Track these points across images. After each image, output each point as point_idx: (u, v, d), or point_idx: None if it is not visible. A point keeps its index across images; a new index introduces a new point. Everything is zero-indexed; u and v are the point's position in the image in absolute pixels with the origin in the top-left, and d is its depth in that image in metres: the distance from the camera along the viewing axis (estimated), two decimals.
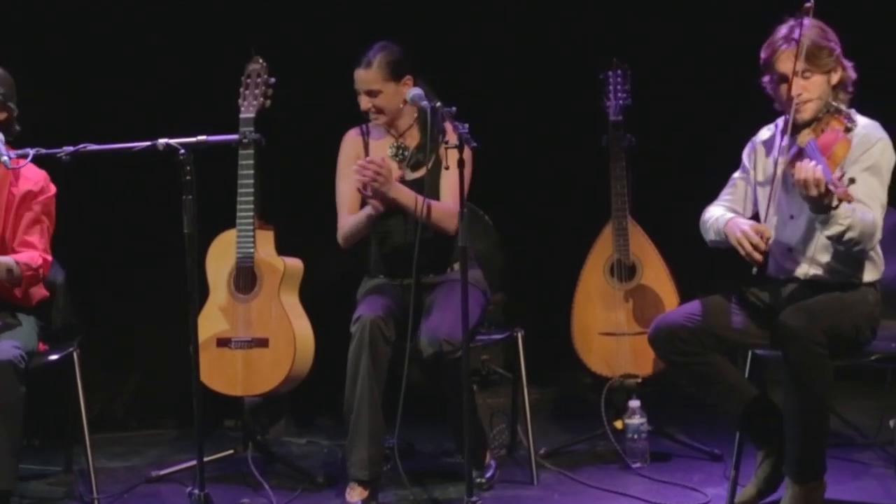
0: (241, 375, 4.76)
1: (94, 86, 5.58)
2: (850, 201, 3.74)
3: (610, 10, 5.89)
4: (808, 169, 3.78)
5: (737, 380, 4.17)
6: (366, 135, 4.77)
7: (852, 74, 4.13)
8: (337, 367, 4.58)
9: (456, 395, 4.26)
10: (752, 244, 3.97)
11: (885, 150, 4.04)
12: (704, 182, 4.51)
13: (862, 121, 4.08)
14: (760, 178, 4.24)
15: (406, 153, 4.70)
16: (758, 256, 3.98)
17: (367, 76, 4.60)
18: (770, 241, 4.01)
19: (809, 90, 4.06)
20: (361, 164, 4.45)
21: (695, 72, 5.91)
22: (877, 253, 4.12)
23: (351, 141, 4.78)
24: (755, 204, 4.27)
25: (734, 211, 4.28)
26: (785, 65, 4.07)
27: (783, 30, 4.10)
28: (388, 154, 4.69)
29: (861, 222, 3.88)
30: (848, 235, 3.88)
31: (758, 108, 4.33)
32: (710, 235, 4.23)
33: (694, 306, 4.18)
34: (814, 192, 3.77)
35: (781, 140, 4.09)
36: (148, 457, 5.29)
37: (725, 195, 4.34)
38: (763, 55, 4.14)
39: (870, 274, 4.12)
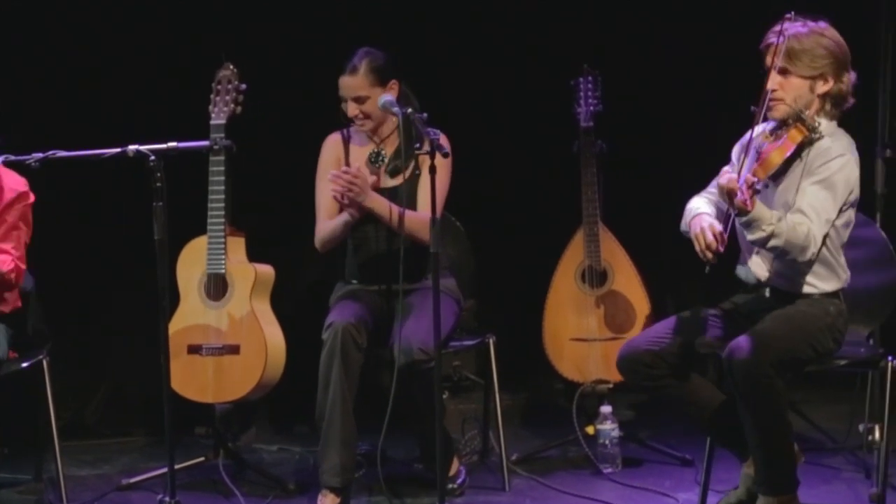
0: (212, 382, 4.74)
1: (64, 91, 5.55)
2: (745, 211, 3.75)
3: (580, 16, 5.90)
4: (725, 173, 3.81)
5: (709, 397, 4.15)
6: (347, 140, 4.77)
7: (848, 91, 4.06)
8: (309, 373, 4.57)
9: (427, 404, 4.26)
10: (706, 243, 3.96)
11: (843, 167, 3.96)
12: (675, 188, 4.52)
13: (832, 136, 4.02)
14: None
15: (384, 159, 4.70)
16: (709, 255, 3.96)
17: (354, 83, 4.60)
18: (721, 248, 3.97)
19: (784, 89, 4.00)
20: (336, 174, 4.45)
21: (665, 78, 5.92)
22: (837, 262, 4.09)
23: (332, 145, 4.78)
24: None
25: (717, 204, 4.28)
26: (769, 57, 4.03)
27: (782, 24, 4.04)
28: (368, 161, 4.69)
29: (790, 231, 3.84)
30: (772, 243, 3.85)
31: (730, 113, 4.34)
32: (682, 225, 4.23)
33: (660, 328, 4.15)
34: (723, 196, 3.81)
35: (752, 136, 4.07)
36: (118, 464, 5.27)
37: (712, 187, 4.31)
38: (760, 44, 4.10)
39: (831, 284, 4.09)
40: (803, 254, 3.90)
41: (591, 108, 5.16)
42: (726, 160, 4.27)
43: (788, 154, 3.97)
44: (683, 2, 5.87)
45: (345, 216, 4.55)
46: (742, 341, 3.87)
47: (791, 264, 4.01)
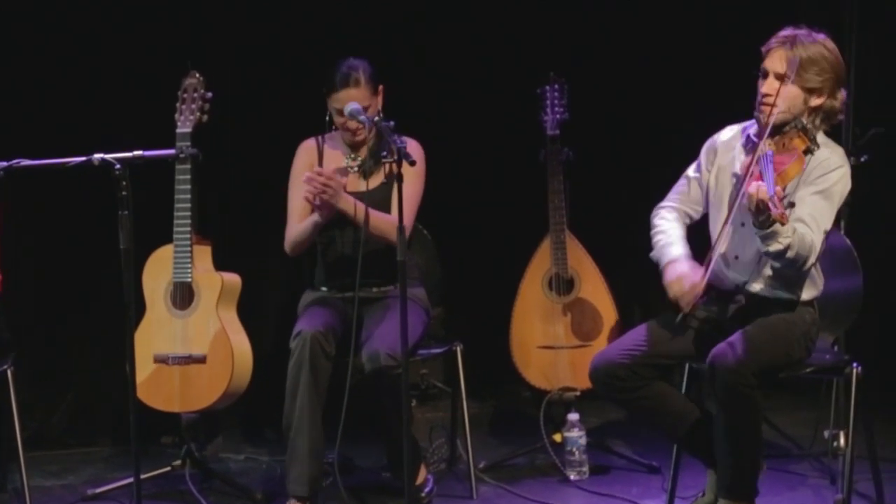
0: (179, 392, 4.72)
1: (28, 99, 5.52)
2: (783, 223, 3.74)
3: (547, 24, 5.92)
4: (755, 184, 3.78)
5: (680, 406, 4.16)
6: (321, 146, 4.76)
7: (840, 108, 4.09)
8: (276, 382, 4.56)
9: (395, 412, 4.25)
10: (682, 292, 4.01)
11: (841, 178, 4.02)
12: (642, 196, 4.54)
13: (827, 146, 4.06)
14: (713, 182, 4.22)
15: (360, 164, 4.69)
16: (684, 305, 4.02)
17: (359, 94, 4.57)
18: (697, 299, 4.02)
19: (781, 96, 4.00)
20: (310, 176, 4.43)
21: (632, 86, 5.95)
22: (817, 271, 4.14)
23: (306, 150, 4.77)
24: (706, 206, 4.26)
25: (686, 215, 4.29)
26: (771, 62, 4.04)
27: (789, 30, 4.06)
28: (344, 163, 4.69)
29: (800, 243, 3.87)
30: (788, 255, 3.87)
31: (697, 120, 4.36)
32: (652, 254, 4.24)
33: (629, 339, 4.16)
34: (751, 206, 3.78)
35: (751, 142, 4.07)
36: (84, 475, 5.23)
37: (675, 194, 4.33)
38: (763, 46, 4.10)
39: (809, 292, 4.13)
40: (806, 264, 3.95)
41: (558, 116, 5.17)
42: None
43: (804, 166, 3.98)
44: (650, 10, 5.90)
45: (314, 217, 4.54)
46: (725, 349, 3.89)
47: (784, 274, 4.04)
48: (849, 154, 4.87)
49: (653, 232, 4.28)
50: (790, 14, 4.14)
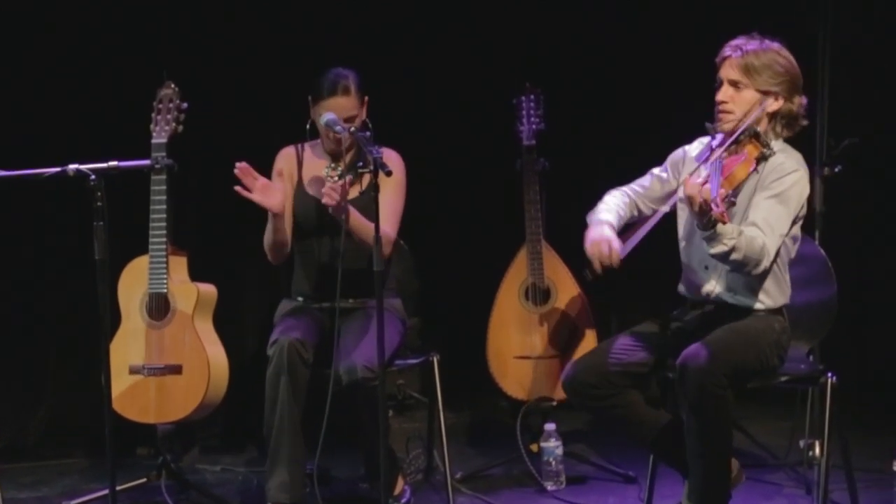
0: (154, 403, 4.71)
1: (1, 111, 5.50)
2: (723, 223, 3.77)
3: (522, 35, 5.93)
4: (695, 185, 3.80)
5: (654, 415, 4.16)
6: (300, 154, 4.75)
7: (800, 113, 4.11)
8: (252, 392, 4.55)
9: (372, 422, 4.25)
10: (599, 253, 4.01)
11: (797, 182, 4.03)
12: None
13: (783, 151, 4.08)
14: (681, 192, 4.21)
15: (339, 173, 4.68)
16: (596, 265, 4.01)
17: (349, 103, 4.56)
18: (611, 267, 4.01)
19: (735, 102, 4.05)
20: (332, 187, 4.36)
21: (607, 96, 5.97)
22: (784, 278, 4.15)
23: (286, 157, 4.76)
24: (660, 205, 4.27)
25: (636, 205, 4.30)
26: (724, 70, 4.08)
27: (740, 39, 4.09)
28: (324, 173, 4.67)
29: (748, 246, 3.88)
30: (733, 256, 3.87)
31: (672, 130, 4.38)
32: (588, 214, 4.25)
33: (603, 348, 4.17)
34: (695, 207, 3.80)
35: (707, 151, 4.09)
36: (58, 486, 5.21)
37: (636, 185, 4.33)
38: (717, 57, 4.13)
39: (775, 299, 4.14)
40: (757, 267, 3.94)
41: (534, 126, 5.18)
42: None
43: (751, 169, 4.01)
44: (624, 21, 5.92)
45: (270, 216, 4.52)
46: (696, 350, 3.90)
47: (743, 278, 4.05)
48: (823, 165, 4.92)
49: (598, 202, 4.29)
50: (763, 26, 4.16)
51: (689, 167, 4.22)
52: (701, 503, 3.99)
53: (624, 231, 4.20)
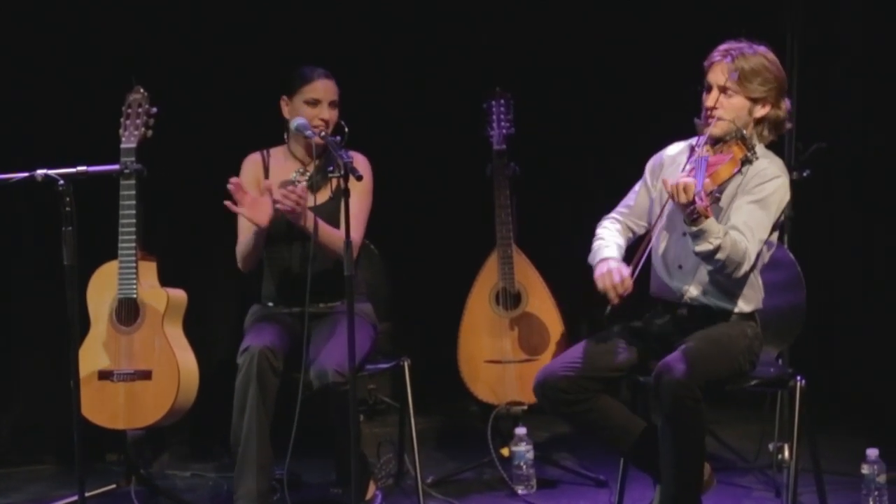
0: (124, 408, 4.69)
1: None
2: (706, 217, 3.79)
3: (492, 39, 5.94)
4: (681, 176, 3.83)
5: (625, 420, 4.17)
6: (266, 160, 4.74)
7: (785, 118, 4.13)
8: (223, 398, 4.54)
9: (342, 427, 4.24)
10: (612, 283, 4.00)
11: (778, 189, 4.05)
12: (588, 210, 4.56)
13: (766, 157, 4.10)
14: (656, 195, 4.24)
15: (307, 178, 4.68)
16: (612, 296, 4.01)
17: (332, 85, 4.66)
18: (626, 293, 4.01)
19: (725, 108, 4.05)
20: (284, 193, 4.38)
21: (577, 100, 5.98)
22: (757, 283, 4.17)
23: (251, 164, 4.75)
24: (650, 221, 4.27)
25: (628, 227, 4.32)
26: (714, 75, 4.09)
27: (729, 43, 4.10)
28: (292, 177, 4.67)
29: (732, 247, 3.90)
30: (717, 256, 3.89)
31: (642, 135, 4.39)
32: (589, 258, 4.26)
33: (573, 353, 4.17)
34: (682, 199, 3.81)
35: (694, 152, 4.10)
36: (27, 493, 5.18)
37: (622, 208, 4.35)
38: (705, 60, 4.14)
39: (749, 304, 4.16)
40: (738, 270, 3.96)
41: (504, 130, 5.19)
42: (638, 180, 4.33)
43: (735, 170, 4.03)
44: (595, 26, 5.94)
45: (254, 227, 4.51)
46: (672, 361, 3.91)
47: (717, 280, 4.06)
48: (791, 169, 4.94)
49: (594, 239, 4.31)
50: (733, 31, 4.18)
51: (668, 168, 4.23)
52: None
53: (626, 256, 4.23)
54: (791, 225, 4.93)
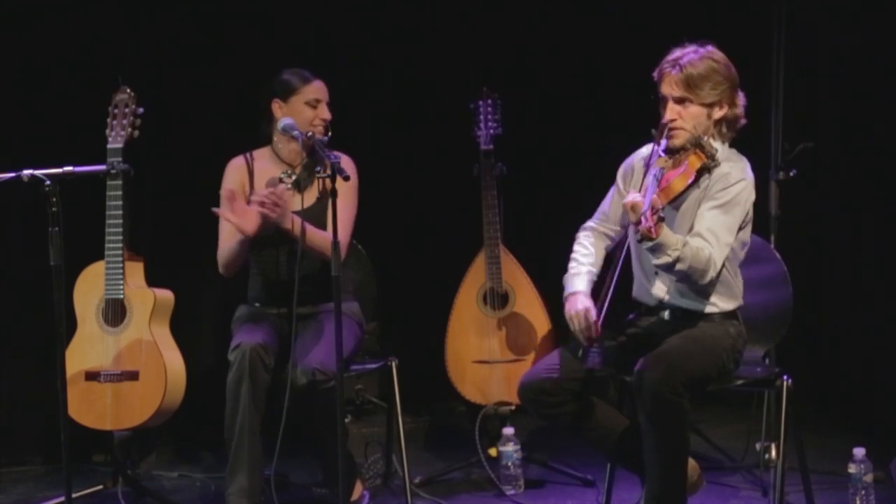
0: (111, 409, 4.68)
1: None
2: (651, 238, 3.78)
3: (479, 39, 5.94)
4: (632, 193, 3.85)
5: (610, 420, 4.17)
6: (250, 164, 4.74)
7: (741, 113, 4.13)
8: (209, 399, 4.53)
9: (328, 426, 4.24)
10: (581, 327, 4.05)
11: (741, 191, 4.04)
12: (575, 210, 4.56)
13: (728, 160, 4.09)
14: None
15: (296, 181, 4.67)
16: (581, 339, 4.05)
17: (325, 87, 4.69)
18: (596, 335, 4.04)
19: (684, 118, 4.06)
20: (263, 196, 4.39)
21: (564, 100, 5.98)
22: (734, 282, 4.15)
23: (236, 168, 4.74)
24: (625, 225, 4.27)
25: (604, 236, 4.32)
26: (666, 87, 4.09)
27: (676, 52, 4.10)
28: (280, 176, 4.65)
29: (693, 257, 3.90)
30: (678, 267, 3.90)
31: (627, 135, 4.39)
32: (565, 275, 4.28)
33: (558, 355, 4.17)
34: (633, 219, 3.82)
35: (652, 160, 4.12)
36: (13, 494, 5.17)
37: (599, 215, 4.36)
38: (654, 73, 4.15)
39: (728, 302, 4.15)
40: (703, 277, 3.97)
41: (491, 130, 5.19)
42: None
43: (690, 181, 4.03)
44: (581, 27, 5.94)
45: (240, 235, 4.51)
46: (652, 360, 3.91)
47: (692, 286, 4.07)
48: (778, 169, 4.95)
49: (571, 254, 4.33)
50: (718, 34, 4.18)
51: (637, 173, 4.23)
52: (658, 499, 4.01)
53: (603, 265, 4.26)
54: (778, 224, 4.94)
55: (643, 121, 4.28)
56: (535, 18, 5.96)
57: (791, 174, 5.01)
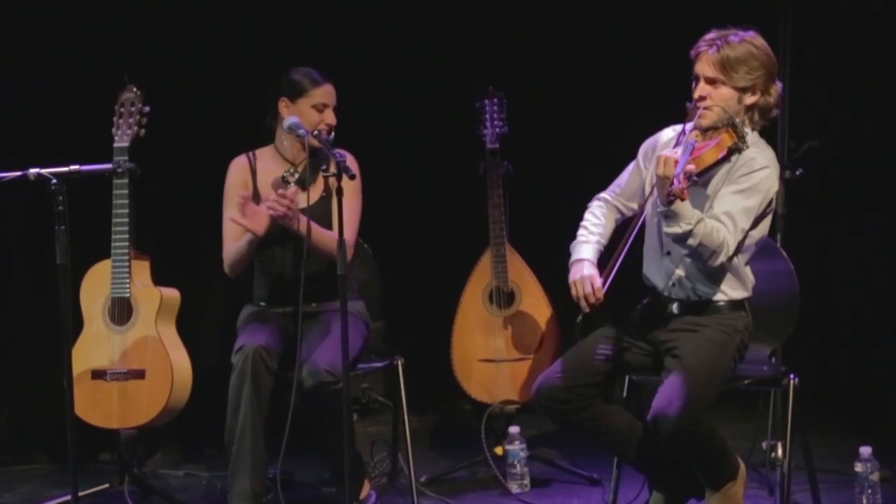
0: (117, 408, 4.69)
1: None
2: (682, 199, 3.74)
3: (485, 38, 5.93)
4: (670, 151, 3.84)
5: (626, 425, 4.15)
6: (253, 163, 4.73)
7: (774, 103, 4.09)
8: (216, 397, 4.53)
9: (336, 426, 4.24)
10: (584, 293, 4.02)
11: (765, 179, 4.00)
12: (581, 208, 4.55)
13: (756, 146, 4.06)
14: (649, 179, 4.19)
15: (300, 180, 4.67)
16: (584, 305, 4.02)
17: (333, 90, 4.67)
18: (598, 303, 4.02)
19: (714, 98, 4.01)
20: (275, 198, 4.38)
21: (570, 98, 5.98)
22: (743, 271, 4.11)
23: (238, 168, 4.73)
24: (641, 201, 4.24)
25: (616, 209, 4.31)
26: (701, 66, 4.05)
27: (715, 32, 4.07)
28: (283, 175, 4.65)
29: (707, 235, 3.86)
30: (689, 241, 3.86)
31: (634, 132, 4.39)
32: (572, 242, 4.26)
33: (567, 359, 4.14)
34: (661, 171, 3.79)
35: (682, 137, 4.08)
36: (19, 493, 5.17)
37: (614, 187, 4.33)
38: (691, 50, 4.11)
39: (738, 292, 4.11)
40: (713, 258, 3.92)
41: (497, 129, 5.19)
42: None
43: (721, 156, 4.00)
44: (588, 24, 5.93)
45: (249, 235, 4.52)
46: (666, 403, 3.86)
47: (701, 265, 4.03)
48: (784, 167, 4.94)
49: (581, 222, 4.30)
50: (726, 24, 4.17)
51: (662, 150, 4.19)
52: (715, 489, 4.04)
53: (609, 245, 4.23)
54: (784, 223, 4.93)
55: (650, 118, 4.28)
56: (540, 16, 5.95)
57: (797, 173, 5.00)
